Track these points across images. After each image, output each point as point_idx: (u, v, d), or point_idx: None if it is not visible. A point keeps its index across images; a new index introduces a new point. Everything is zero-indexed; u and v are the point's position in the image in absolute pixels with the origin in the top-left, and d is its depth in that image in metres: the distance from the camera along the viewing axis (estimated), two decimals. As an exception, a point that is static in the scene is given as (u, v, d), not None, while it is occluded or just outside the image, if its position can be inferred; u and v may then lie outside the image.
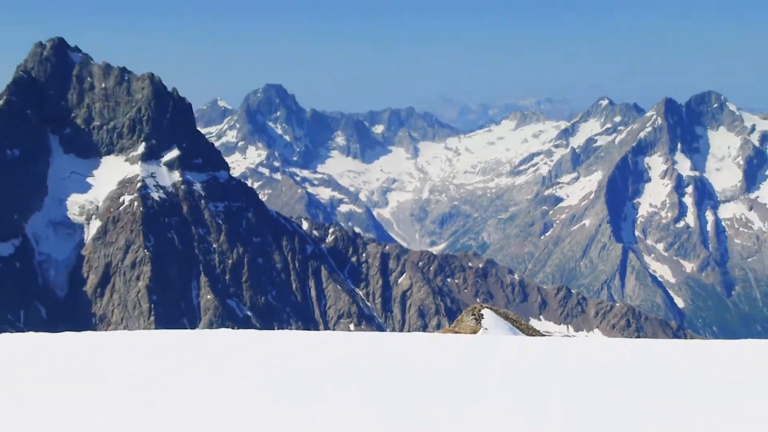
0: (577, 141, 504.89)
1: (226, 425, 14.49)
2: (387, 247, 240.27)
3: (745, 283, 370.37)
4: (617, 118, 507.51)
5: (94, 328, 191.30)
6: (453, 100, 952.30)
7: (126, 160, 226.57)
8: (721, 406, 14.61)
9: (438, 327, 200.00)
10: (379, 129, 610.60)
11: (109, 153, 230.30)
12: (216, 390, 17.60)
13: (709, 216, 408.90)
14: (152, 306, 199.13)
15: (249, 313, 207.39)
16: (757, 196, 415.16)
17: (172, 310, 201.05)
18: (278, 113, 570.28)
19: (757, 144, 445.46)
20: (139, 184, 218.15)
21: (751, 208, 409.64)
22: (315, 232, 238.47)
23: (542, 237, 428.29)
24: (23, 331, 29.42)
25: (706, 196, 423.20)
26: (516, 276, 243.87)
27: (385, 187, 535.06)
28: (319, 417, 14.97)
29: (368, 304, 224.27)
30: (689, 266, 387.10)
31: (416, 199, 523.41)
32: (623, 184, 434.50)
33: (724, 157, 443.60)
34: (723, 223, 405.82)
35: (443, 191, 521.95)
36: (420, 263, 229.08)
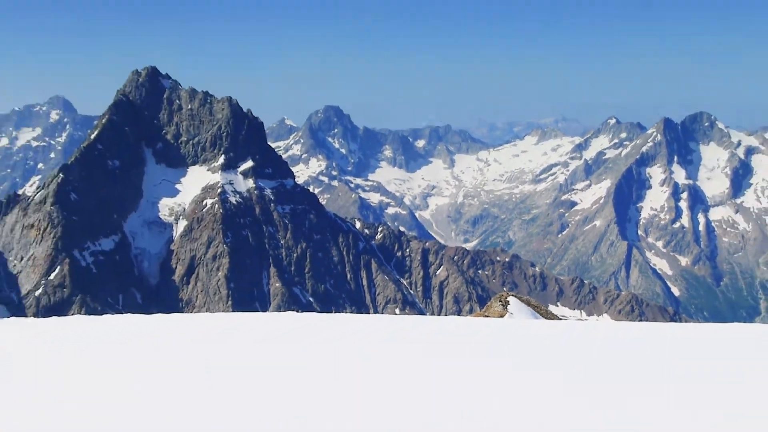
0: (589, 154, 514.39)
1: (299, 392, 14.89)
2: (427, 244, 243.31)
3: (732, 276, 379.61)
4: (623, 135, 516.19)
5: (181, 311, 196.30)
6: (484, 119, 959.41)
7: (208, 170, 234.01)
8: (711, 381, 15.28)
9: (470, 312, 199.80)
10: (420, 143, 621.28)
11: (194, 164, 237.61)
12: (285, 362, 18.37)
13: (701, 218, 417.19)
14: (230, 292, 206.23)
15: (311, 299, 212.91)
16: (742, 201, 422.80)
17: (246, 296, 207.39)
18: (336, 130, 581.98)
19: (742, 157, 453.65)
20: (219, 190, 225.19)
21: (737, 212, 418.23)
22: (366, 231, 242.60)
23: (559, 235, 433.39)
24: (122, 313, 32.44)
25: (698, 201, 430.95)
26: (537, 269, 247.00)
27: (426, 192, 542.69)
28: (376, 379, 15.82)
29: (411, 291, 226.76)
30: (684, 261, 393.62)
31: (452, 203, 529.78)
32: (628, 191, 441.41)
33: (714, 168, 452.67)
34: (713, 224, 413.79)
35: (475, 196, 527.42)
36: (455, 257, 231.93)
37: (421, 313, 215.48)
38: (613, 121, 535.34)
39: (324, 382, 15.81)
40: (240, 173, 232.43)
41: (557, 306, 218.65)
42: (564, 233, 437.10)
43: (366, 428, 12.05)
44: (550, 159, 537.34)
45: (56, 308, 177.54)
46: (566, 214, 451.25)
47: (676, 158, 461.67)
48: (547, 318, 42.97)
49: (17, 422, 13.28)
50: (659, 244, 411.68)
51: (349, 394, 14.85)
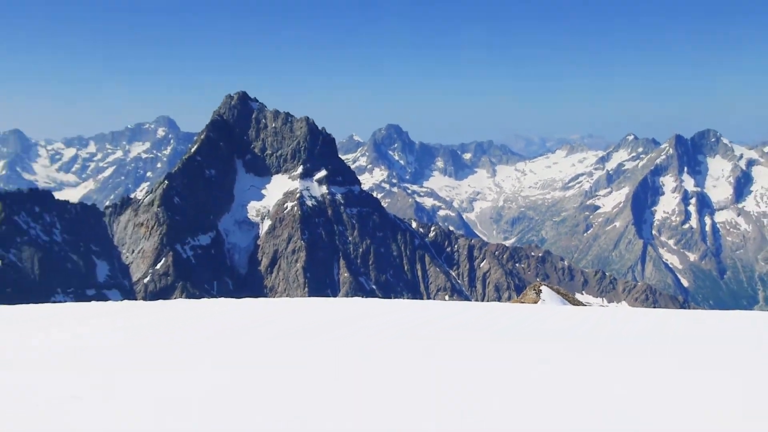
0: (611, 165, 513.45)
1: (364, 362, 14.98)
2: (472, 241, 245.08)
3: (734, 270, 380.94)
4: (640, 149, 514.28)
5: (265, 296, 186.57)
6: (521, 134, 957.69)
7: (289, 178, 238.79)
8: (716, 356, 15.57)
9: (509, 299, 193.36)
10: (467, 156, 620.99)
11: (277, 173, 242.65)
12: (352, 336, 18.67)
13: (707, 220, 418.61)
14: (306, 280, 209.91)
15: (374, 287, 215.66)
16: (744, 206, 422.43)
17: (320, 284, 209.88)
18: (396, 144, 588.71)
19: (743, 168, 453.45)
20: (298, 195, 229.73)
21: (739, 215, 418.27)
22: (421, 230, 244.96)
23: (584, 234, 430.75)
24: (216, 297, 31.34)
25: (705, 205, 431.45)
26: (565, 262, 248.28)
27: (472, 197, 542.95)
28: (439, 345, 16.60)
29: (458, 281, 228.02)
30: (692, 256, 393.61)
31: (494, 206, 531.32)
32: (644, 197, 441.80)
33: (719, 177, 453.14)
34: (717, 225, 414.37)
35: (513, 201, 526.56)
36: (496, 252, 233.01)
37: (467, 299, 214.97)
38: (631, 137, 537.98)
39: (390, 349, 16.26)
40: (315, 181, 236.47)
41: (582, 294, 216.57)
42: (588, 233, 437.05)
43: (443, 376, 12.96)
44: (577, 169, 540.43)
45: (161, 293, 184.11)
46: (590, 217, 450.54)
47: (686, 169, 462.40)
48: (573, 304, 44.29)
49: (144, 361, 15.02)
50: (671, 242, 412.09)
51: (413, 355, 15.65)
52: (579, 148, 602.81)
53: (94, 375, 13.14)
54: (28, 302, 26.09)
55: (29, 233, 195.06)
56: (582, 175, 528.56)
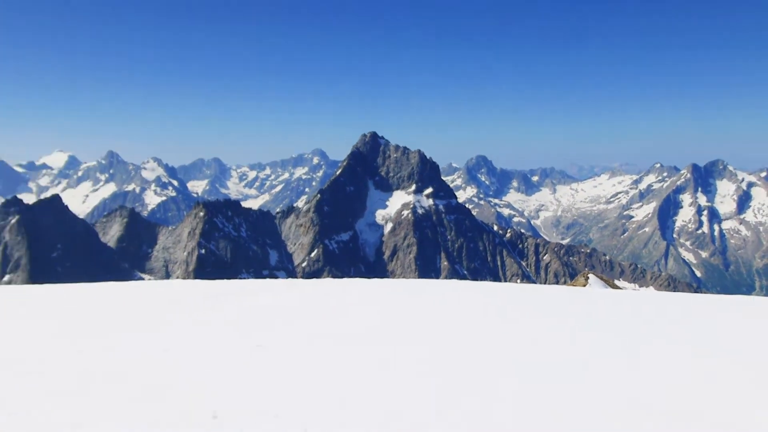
0: (642, 186, 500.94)
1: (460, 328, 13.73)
2: (538, 240, 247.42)
3: (736, 264, 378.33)
4: (665, 174, 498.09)
5: (387, 278, 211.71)
6: (575, 162, 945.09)
7: (405, 193, 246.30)
8: (722, 333, 14.03)
9: (564, 283, 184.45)
10: (535, 178, 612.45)
11: (397, 189, 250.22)
12: (448, 312, 16.86)
13: (716, 227, 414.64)
14: (417, 267, 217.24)
15: (465, 272, 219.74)
16: (744, 217, 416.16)
17: (427, 270, 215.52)
18: (482, 169, 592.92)
19: (744, 188, 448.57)
20: (411, 206, 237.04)
21: (740, 224, 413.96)
22: (500, 232, 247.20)
23: (621, 236, 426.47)
24: (353, 278, 25.84)
25: (714, 216, 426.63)
26: (607, 257, 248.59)
27: (537, 208, 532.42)
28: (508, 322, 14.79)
29: (527, 269, 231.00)
30: (704, 254, 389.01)
31: (554, 215, 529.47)
32: (667, 209, 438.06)
33: (725, 195, 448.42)
34: (724, 231, 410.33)
35: (568, 211, 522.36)
36: (555, 249, 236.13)
37: (533, 283, 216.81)
38: (658, 165, 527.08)
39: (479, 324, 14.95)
40: (424, 195, 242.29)
41: (619, 280, 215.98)
42: (624, 235, 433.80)
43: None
44: (617, 189, 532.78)
45: (314, 274, 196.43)
46: (626, 223, 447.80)
47: (699, 189, 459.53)
48: (612, 288, 43.23)
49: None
50: (687, 243, 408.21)
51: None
52: (618, 172, 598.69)
53: (278, 329, 13.43)
54: (222, 279, 26.70)
55: (224, 230, 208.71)
56: (620, 192, 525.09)
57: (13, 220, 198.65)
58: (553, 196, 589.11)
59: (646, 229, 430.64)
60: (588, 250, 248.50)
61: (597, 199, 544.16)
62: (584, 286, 42.81)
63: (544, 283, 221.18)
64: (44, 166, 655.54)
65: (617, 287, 44.56)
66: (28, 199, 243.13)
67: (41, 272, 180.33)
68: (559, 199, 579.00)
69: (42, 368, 9.96)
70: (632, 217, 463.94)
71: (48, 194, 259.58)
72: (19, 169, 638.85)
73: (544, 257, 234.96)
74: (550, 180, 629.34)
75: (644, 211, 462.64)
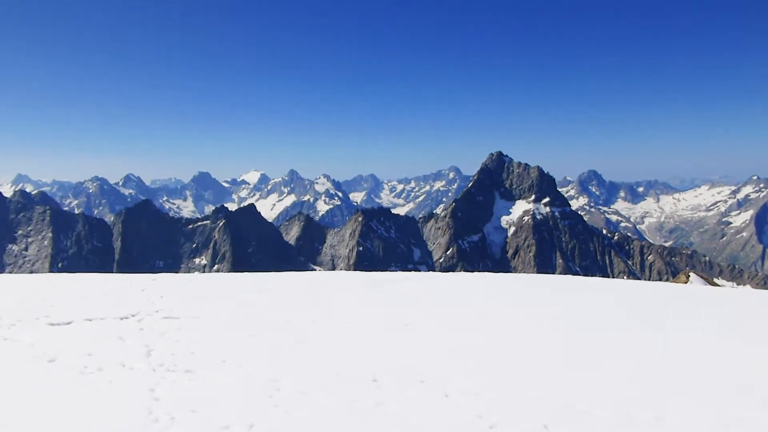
0: (740, 196, 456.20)
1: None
2: (643, 243, 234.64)
3: None
4: (761, 185, 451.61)
5: (511, 272, 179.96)
6: (677, 175, 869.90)
7: (526, 202, 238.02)
8: None
9: (667, 280, 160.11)
10: (640, 189, 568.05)
11: (519, 199, 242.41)
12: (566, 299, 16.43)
13: None
14: (535, 264, 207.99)
15: (578, 269, 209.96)
16: None
17: (544, 266, 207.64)
18: (593, 182, 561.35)
19: None
20: (531, 212, 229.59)
21: None
22: (609, 235, 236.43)
23: (720, 240, 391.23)
24: (481, 272, 24.38)
25: None
26: (707, 258, 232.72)
27: (642, 215, 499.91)
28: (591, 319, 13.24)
29: (633, 268, 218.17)
30: None
31: (658, 221, 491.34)
32: (764, 216, 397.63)
33: None
34: None
35: (671, 218, 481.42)
36: (659, 250, 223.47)
37: (639, 279, 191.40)
38: (755, 177, 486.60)
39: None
40: (542, 204, 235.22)
41: (718, 279, 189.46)
42: (723, 239, 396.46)
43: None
44: (716, 198, 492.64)
45: (449, 269, 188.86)
46: (725, 229, 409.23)
47: None
48: (712, 285, 41.40)
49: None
50: None
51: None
52: (718, 184, 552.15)
53: (421, 311, 13.27)
54: (375, 271, 25.63)
55: (377, 232, 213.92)
56: (719, 201, 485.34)
57: (221, 223, 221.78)
58: (657, 204, 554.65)
59: (744, 234, 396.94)
60: (689, 252, 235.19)
61: (697, 207, 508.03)
62: (685, 283, 40.58)
63: (648, 281, 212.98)
64: (243, 182, 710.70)
65: (716, 285, 42.71)
66: (232, 207, 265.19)
67: (241, 263, 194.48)
68: (662, 207, 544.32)
69: (255, 332, 10.95)
70: (730, 223, 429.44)
71: (246, 204, 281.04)
72: (226, 184, 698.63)
73: (649, 257, 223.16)
74: (654, 191, 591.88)
75: (742, 218, 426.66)
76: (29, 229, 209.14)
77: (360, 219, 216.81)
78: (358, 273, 23.00)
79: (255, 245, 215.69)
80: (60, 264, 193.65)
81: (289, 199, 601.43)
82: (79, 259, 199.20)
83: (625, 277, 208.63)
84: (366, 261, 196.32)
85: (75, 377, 7.89)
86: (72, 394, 7.26)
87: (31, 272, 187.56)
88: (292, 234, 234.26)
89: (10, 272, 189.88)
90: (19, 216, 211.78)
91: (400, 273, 23.64)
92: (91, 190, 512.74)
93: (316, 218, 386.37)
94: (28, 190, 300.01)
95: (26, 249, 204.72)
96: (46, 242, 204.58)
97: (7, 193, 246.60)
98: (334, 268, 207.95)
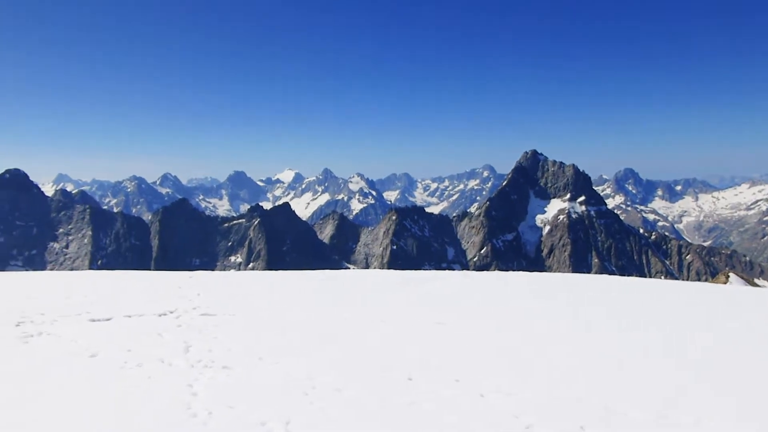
0: None
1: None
2: (681, 242, 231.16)
3: None
4: None
5: (545, 270, 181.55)
6: (716, 174, 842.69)
7: (561, 201, 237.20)
8: None
9: (706, 281, 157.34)
10: (678, 187, 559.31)
11: (553, 197, 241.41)
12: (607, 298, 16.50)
13: None
14: (570, 263, 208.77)
15: (614, 269, 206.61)
16: None
17: (579, 265, 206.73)
18: (630, 180, 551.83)
19: None
20: (566, 211, 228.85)
21: None
22: (645, 234, 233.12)
23: (761, 240, 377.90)
24: (514, 271, 19.73)
25: None
26: (747, 258, 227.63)
27: (680, 214, 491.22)
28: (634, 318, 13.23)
29: (671, 268, 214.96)
30: None
31: (696, 220, 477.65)
32: None
33: None
34: None
35: (710, 217, 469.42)
36: (698, 250, 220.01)
37: (677, 279, 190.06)
38: None
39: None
40: (578, 203, 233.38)
41: (759, 279, 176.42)
42: (765, 239, 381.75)
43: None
44: (757, 197, 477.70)
45: (483, 268, 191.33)
46: (765, 228, 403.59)
47: None
48: (752, 285, 40.92)
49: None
50: None
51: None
52: (758, 182, 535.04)
53: (454, 309, 13.25)
54: (409, 269, 25.70)
55: (411, 230, 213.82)
56: (760, 200, 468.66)
57: (256, 222, 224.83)
58: (695, 203, 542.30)
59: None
60: (728, 252, 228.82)
61: (737, 206, 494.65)
62: (724, 284, 40.32)
63: (686, 281, 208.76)
64: (278, 180, 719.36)
65: (757, 285, 42.39)
66: (266, 206, 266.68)
67: (275, 261, 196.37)
68: (701, 206, 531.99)
69: (290, 329, 11.16)
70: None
71: (280, 202, 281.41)
72: (260, 183, 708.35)
73: (687, 257, 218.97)
74: (692, 189, 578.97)
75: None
76: (70, 227, 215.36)
77: (394, 218, 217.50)
78: (391, 271, 23.18)
79: (289, 244, 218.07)
80: (99, 261, 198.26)
81: (323, 198, 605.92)
82: (118, 256, 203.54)
83: (662, 277, 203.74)
84: (399, 260, 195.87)
85: (116, 372, 8.07)
86: (113, 388, 7.39)
87: (72, 269, 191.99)
88: (326, 232, 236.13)
89: (52, 269, 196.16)
90: (60, 214, 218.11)
91: (433, 272, 23.69)
92: (129, 189, 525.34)
93: (350, 217, 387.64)
94: (68, 189, 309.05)
95: (67, 247, 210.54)
96: (86, 240, 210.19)
97: (49, 192, 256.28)
98: (367, 267, 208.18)
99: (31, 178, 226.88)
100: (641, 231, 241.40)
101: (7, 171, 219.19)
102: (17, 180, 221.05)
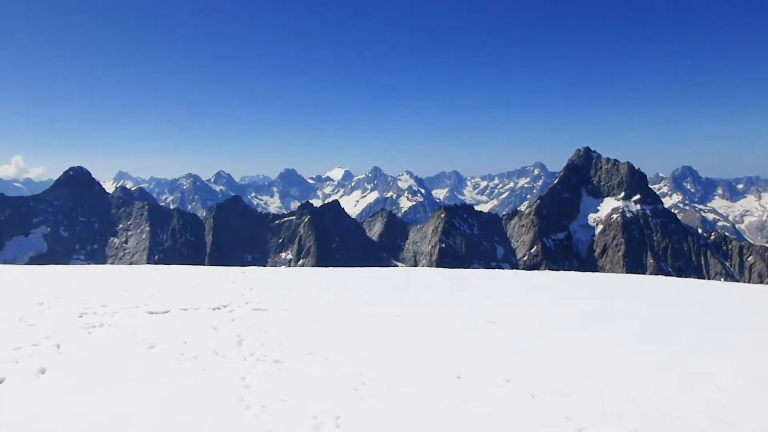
0: None
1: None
2: (742, 243, 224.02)
3: None
4: None
5: (598, 271, 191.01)
6: None
7: (615, 200, 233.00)
8: None
9: None
10: (740, 186, 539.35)
11: (607, 196, 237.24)
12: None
13: None
14: (624, 264, 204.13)
15: (670, 270, 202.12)
16: None
17: (633, 266, 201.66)
18: (688, 178, 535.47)
19: None
20: (621, 210, 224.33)
21: None
22: (704, 234, 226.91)
23: None
24: (566, 270, 19.46)
25: None
26: None
27: (742, 214, 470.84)
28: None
29: (731, 269, 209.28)
30: None
31: (759, 220, 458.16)
32: None
33: None
34: None
35: None
36: (760, 251, 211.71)
37: (737, 281, 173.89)
38: None
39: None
40: (632, 201, 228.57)
41: None
42: None
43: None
44: None
45: (533, 267, 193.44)
46: None
47: None
48: None
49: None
50: None
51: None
52: None
53: (505, 308, 13.19)
54: (458, 268, 25.77)
55: (460, 229, 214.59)
56: None
57: (306, 219, 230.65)
58: (758, 202, 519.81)
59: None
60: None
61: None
62: None
63: (747, 282, 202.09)
64: (328, 178, 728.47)
65: None
66: (316, 203, 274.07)
67: (325, 258, 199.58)
68: (764, 205, 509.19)
69: (340, 325, 11.30)
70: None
71: (330, 200, 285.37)
72: (311, 181, 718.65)
73: (749, 258, 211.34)
74: (755, 187, 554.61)
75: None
76: (129, 223, 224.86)
77: (442, 216, 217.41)
78: (440, 269, 23.15)
79: (339, 241, 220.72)
80: (156, 256, 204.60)
81: (372, 196, 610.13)
82: (174, 251, 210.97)
83: (722, 279, 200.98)
84: (448, 258, 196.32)
85: (173, 363, 8.29)
86: (170, 378, 7.60)
87: (130, 263, 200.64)
88: (374, 230, 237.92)
89: (111, 263, 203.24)
90: (120, 211, 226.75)
91: (483, 270, 23.85)
92: (185, 187, 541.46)
93: (399, 215, 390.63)
94: (128, 186, 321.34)
95: (126, 242, 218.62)
96: (144, 236, 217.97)
97: (109, 189, 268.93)
98: (416, 265, 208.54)
99: (93, 176, 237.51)
100: (700, 231, 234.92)
101: (71, 169, 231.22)
102: (80, 178, 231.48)
